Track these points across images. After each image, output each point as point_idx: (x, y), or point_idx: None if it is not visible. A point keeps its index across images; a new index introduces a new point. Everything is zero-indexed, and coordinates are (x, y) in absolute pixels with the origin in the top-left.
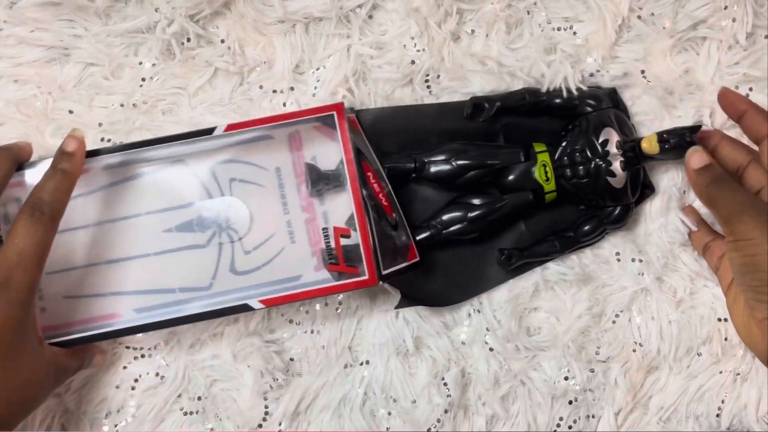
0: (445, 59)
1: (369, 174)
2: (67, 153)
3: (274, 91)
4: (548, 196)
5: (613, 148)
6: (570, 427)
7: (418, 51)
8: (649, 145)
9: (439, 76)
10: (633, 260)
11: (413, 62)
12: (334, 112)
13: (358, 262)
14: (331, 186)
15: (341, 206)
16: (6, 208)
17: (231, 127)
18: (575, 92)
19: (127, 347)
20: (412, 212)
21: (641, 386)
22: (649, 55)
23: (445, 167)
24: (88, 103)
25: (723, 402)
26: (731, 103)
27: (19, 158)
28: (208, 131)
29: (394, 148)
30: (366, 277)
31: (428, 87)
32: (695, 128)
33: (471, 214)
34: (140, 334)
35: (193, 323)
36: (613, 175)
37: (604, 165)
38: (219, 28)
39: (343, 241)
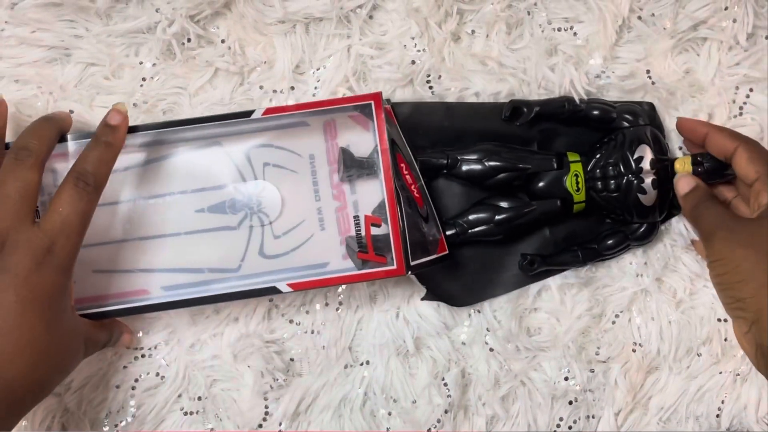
0: (445, 59)
1: (402, 165)
2: (111, 126)
3: (275, 91)
4: (577, 206)
5: (647, 165)
6: (570, 428)
7: (419, 51)
8: (683, 167)
9: (440, 77)
10: (632, 262)
11: (414, 62)
12: (372, 102)
13: (387, 251)
14: (364, 173)
15: (372, 195)
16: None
17: (269, 111)
18: (584, 96)
19: (128, 347)
20: (440, 208)
21: (641, 387)
22: (649, 55)
23: (477, 167)
24: (89, 103)
25: (723, 402)
26: (691, 129)
27: (62, 128)
28: (247, 114)
29: (428, 143)
30: (394, 267)
31: (430, 87)
32: (728, 166)
33: (498, 217)
34: (141, 333)
35: (222, 302)
36: (644, 192)
37: (636, 181)
38: (219, 29)
39: (374, 230)
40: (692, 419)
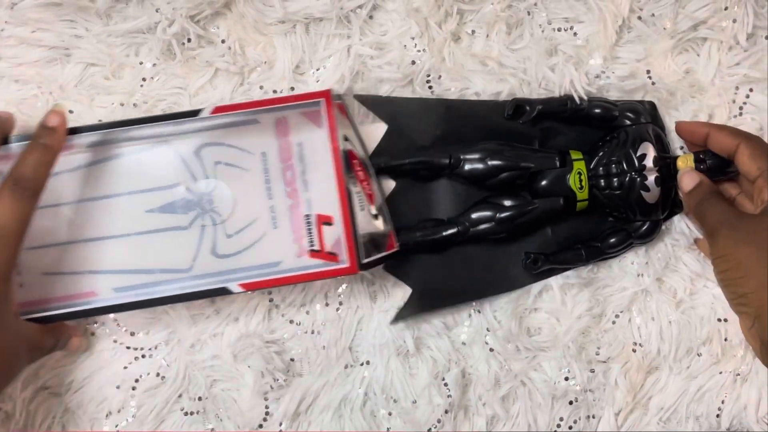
0: (445, 59)
1: (354, 161)
2: (49, 127)
3: (275, 91)
4: (579, 204)
5: (649, 163)
6: (570, 428)
7: (419, 51)
8: (685, 164)
9: (440, 77)
10: (633, 262)
11: (414, 62)
12: (322, 99)
13: (339, 249)
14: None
15: (326, 193)
16: None
17: (218, 110)
18: (585, 96)
19: (128, 347)
20: (442, 207)
21: (641, 387)
22: (650, 56)
23: (479, 166)
24: (89, 103)
25: (723, 402)
26: (691, 131)
27: (4, 130)
28: (194, 113)
29: (429, 141)
30: (347, 265)
31: (430, 87)
32: (730, 163)
33: (500, 215)
34: (141, 334)
35: (171, 304)
36: (647, 189)
37: (639, 179)
38: (219, 29)
39: (326, 229)
40: (692, 419)
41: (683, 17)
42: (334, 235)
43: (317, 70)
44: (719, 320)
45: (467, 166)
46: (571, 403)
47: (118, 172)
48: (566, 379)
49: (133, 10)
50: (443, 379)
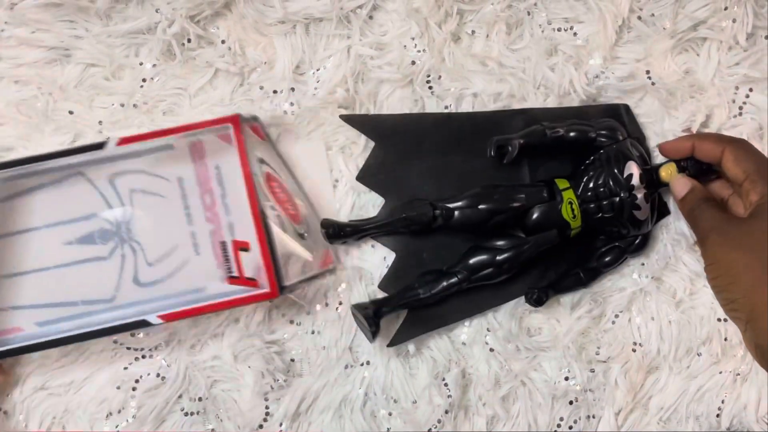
0: (445, 60)
1: (273, 184)
2: None
3: (275, 92)
4: (573, 231)
5: (636, 182)
6: (570, 428)
7: (419, 51)
8: (668, 175)
9: (440, 77)
10: (631, 263)
11: (414, 63)
12: (230, 125)
13: (260, 274)
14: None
15: (245, 217)
16: None
17: (124, 141)
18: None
19: (128, 348)
20: (433, 259)
21: (641, 386)
22: (649, 56)
23: (471, 213)
24: (89, 104)
25: (723, 402)
26: (675, 148)
27: None
28: (99, 145)
29: (416, 193)
30: (267, 290)
31: (430, 88)
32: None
33: (499, 258)
34: (141, 334)
35: (91, 339)
36: (638, 208)
37: (629, 199)
38: (219, 29)
39: (244, 254)
40: (692, 419)
41: (683, 17)
42: (254, 260)
43: (317, 70)
44: (719, 320)
45: (458, 215)
46: (571, 402)
47: (33, 206)
48: (566, 379)
49: (133, 11)
50: (443, 380)
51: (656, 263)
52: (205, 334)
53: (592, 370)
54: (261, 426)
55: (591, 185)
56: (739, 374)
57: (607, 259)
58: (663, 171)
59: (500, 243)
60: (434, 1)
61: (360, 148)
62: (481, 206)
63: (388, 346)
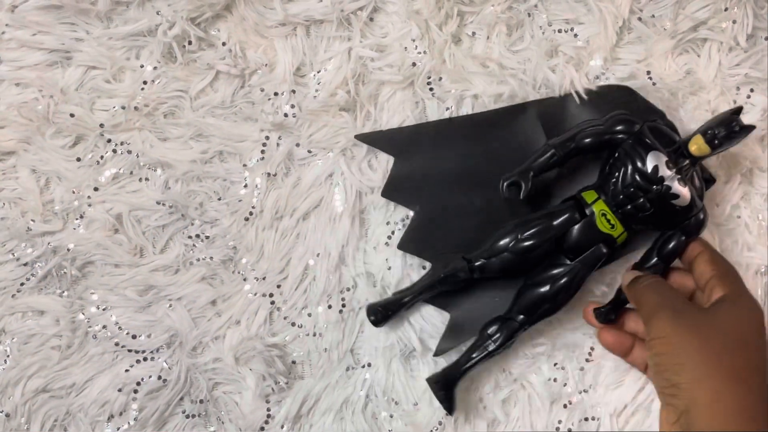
0: (446, 61)
1: None
2: None
3: (276, 94)
4: (620, 239)
5: (665, 171)
6: (569, 430)
7: (419, 53)
8: (699, 149)
9: (440, 78)
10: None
11: (414, 64)
12: None
13: None
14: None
15: None
16: None
17: None
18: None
19: (129, 350)
20: (482, 312)
21: (642, 389)
22: (650, 56)
23: (508, 256)
24: (90, 107)
25: None
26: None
27: None
28: None
29: (437, 164)
30: None
31: (431, 89)
32: (737, 110)
33: (552, 292)
34: (143, 337)
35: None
36: (677, 196)
37: (663, 190)
38: (220, 31)
39: None
40: None
41: (683, 18)
42: None
43: (318, 72)
44: None
45: (495, 262)
46: (571, 404)
47: None
48: (566, 382)
49: (134, 13)
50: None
51: None
52: (207, 336)
53: (593, 372)
54: (262, 428)
55: (620, 188)
56: None
57: (669, 246)
58: (692, 146)
59: (549, 275)
60: (435, 2)
61: (363, 151)
62: (514, 247)
63: (434, 356)
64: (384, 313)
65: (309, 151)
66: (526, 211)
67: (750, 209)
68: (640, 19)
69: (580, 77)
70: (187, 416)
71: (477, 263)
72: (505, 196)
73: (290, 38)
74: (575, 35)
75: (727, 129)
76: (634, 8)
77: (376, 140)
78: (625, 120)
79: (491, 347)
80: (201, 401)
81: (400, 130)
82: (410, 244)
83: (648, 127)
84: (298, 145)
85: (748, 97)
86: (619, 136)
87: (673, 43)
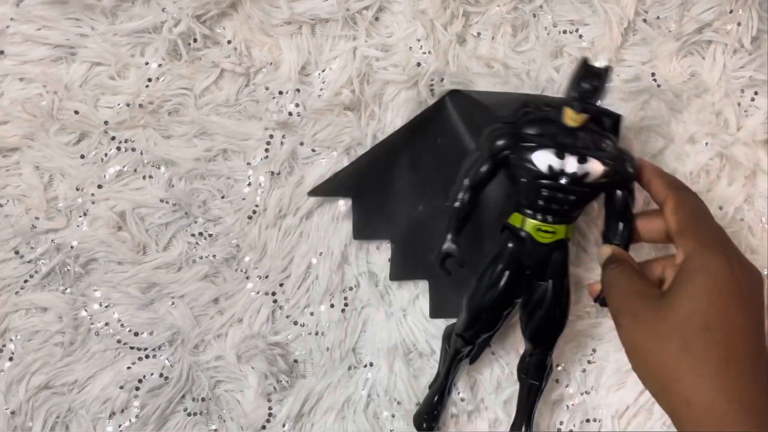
0: (450, 62)
1: None
2: None
3: (280, 93)
4: (567, 235)
5: (559, 162)
6: (571, 431)
7: (424, 53)
8: (575, 120)
9: (442, 79)
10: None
11: (419, 64)
12: None
13: None
14: None
15: None
16: None
17: None
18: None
19: (132, 347)
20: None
21: (644, 390)
22: (655, 58)
23: (487, 316)
24: (94, 103)
25: None
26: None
27: None
28: None
29: (412, 212)
30: None
31: (432, 90)
32: (584, 62)
33: (547, 314)
34: (145, 334)
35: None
36: (585, 174)
37: (568, 180)
38: (225, 29)
39: None
40: None
41: (688, 20)
42: None
43: (323, 71)
44: None
45: (482, 326)
46: (573, 405)
47: None
48: (567, 383)
49: (139, 9)
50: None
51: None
52: (209, 334)
53: (594, 373)
54: (264, 427)
55: (534, 198)
56: None
57: (617, 206)
58: (569, 122)
59: (534, 302)
60: (440, 2)
61: (366, 149)
62: (488, 307)
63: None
64: (431, 418)
65: (313, 150)
66: (488, 216)
67: (753, 212)
68: (645, 20)
69: None
70: (189, 414)
71: (469, 335)
72: (441, 269)
73: (295, 37)
74: (580, 36)
75: (589, 84)
76: (639, 10)
77: (328, 190)
78: (496, 135)
79: (535, 386)
80: (202, 399)
81: (345, 171)
82: (400, 271)
83: (520, 127)
84: (302, 143)
85: (752, 99)
86: (503, 153)
87: (678, 45)
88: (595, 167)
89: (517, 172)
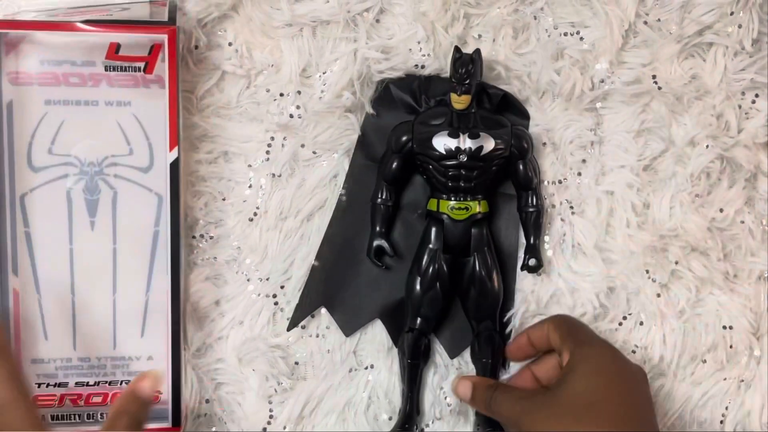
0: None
1: None
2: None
3: (281, 95)
4: (482, 209)
5: (454, 142)
6: None
7: (424, 56)
8: (461, 103)
9: None
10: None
11: (419, 67)
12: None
13: None
14: None
15: None
16: None
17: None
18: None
19: None
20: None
21: None
22: (656, 60)
23: (430, 295)
24: None
25: (727, 409)
26: (518, 347)
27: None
28: None
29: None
30: None
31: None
32: (457, 50)
33: (481, 288)
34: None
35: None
36: (479, 147)
37: (465, 156)
38: (227, 32)
39: None
40: (696, 425)
41: (689, 22)
42: None
43: (324, 73)
44: (724, 327)
45: (426, 310)
46: None
47: None
48: None
49: None
50: (441, 387)
51: (662, 269)
52: (210, 336)
53: None
54: (265, 429)
55: (442, 180)
56: (743, 381)
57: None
58: (456, 106)
59: (467, 279)
60: (441, 4)
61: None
62: (428, 289)
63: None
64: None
65: (314, 152)
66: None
67: (754, 214)
68: (645, 23)
69: (584, 80)
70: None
71: (417, 325)
72: (375, 262)
73: (296, 39)
74: (581, 38)
75: (464, 68)
76: (640, 12)
77: (305, 310)
78: (397, 133)
79: (489, 364)
80: (205, 401)
81: (307, 288)
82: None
83: (419, 121)
84: (303, 146)
85: (753, 102)
86: (407, 146)
87: (679, 48)
88: (488, 141)
89: (423, 160)
